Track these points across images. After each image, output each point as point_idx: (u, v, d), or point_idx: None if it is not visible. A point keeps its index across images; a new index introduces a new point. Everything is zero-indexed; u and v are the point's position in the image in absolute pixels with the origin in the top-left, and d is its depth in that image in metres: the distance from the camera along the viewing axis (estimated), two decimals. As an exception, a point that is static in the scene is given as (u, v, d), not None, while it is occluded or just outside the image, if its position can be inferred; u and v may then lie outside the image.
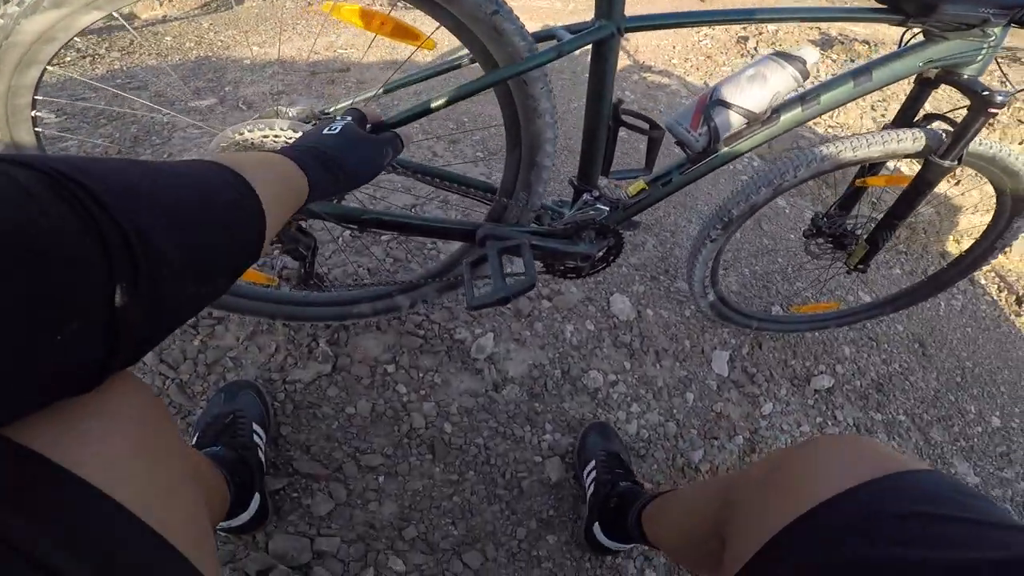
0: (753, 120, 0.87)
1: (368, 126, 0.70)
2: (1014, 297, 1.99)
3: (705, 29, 3.25)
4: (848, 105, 2.50)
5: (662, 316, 1.41)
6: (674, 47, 2.99)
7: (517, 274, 0.85)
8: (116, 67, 1.81)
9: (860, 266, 1.21)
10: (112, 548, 0.30)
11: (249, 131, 0.73)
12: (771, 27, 3.26)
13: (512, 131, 0.86)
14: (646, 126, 0.85)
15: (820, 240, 1.24)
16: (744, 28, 3.24)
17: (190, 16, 2.21)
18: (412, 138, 0.70)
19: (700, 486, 0.72)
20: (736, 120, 0.86)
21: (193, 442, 0.85)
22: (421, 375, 1.15)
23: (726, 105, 0.85)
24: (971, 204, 2.17)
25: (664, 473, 1.13)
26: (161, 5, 2.19)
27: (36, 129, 0.75)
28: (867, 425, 1.38)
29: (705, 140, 0.87)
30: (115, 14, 0.71)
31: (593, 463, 1.02)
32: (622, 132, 0.85)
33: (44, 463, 0.30)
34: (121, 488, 0.32)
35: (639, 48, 2.88)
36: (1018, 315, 1.96)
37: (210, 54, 2.00)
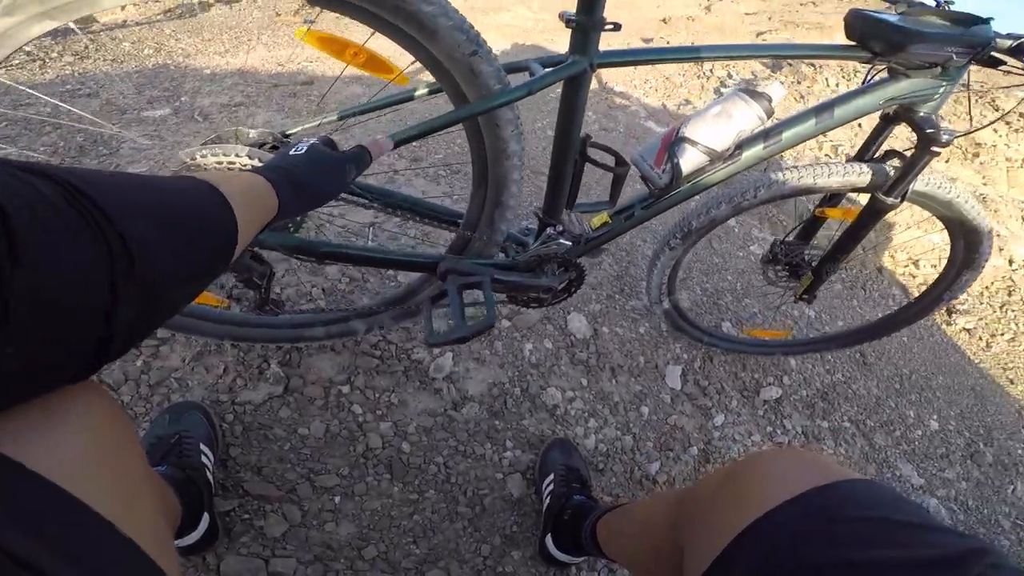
0: (716, 157, 0.88)
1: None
2: (944, 308, 2.17)
3: None
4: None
5: (617, 333, 1.47)
6: (635, 68, 3.16)
7: (479, 303, 0.86)
8: (67, 72, 1.75)
9: (805, 296, 1.24)
10: (86, 550, 0.31)
11: (202, 156, 0.73)
12: None
13: (479, 168, 0.86)
14: (612, 161, 0.86)
15: (777, 267, 1.27)
16: None
17: (152, 22, 2.17)
18: (384, 150, 0.70)
19: (654, 499, 0.75)
20: (699, 158, 0.87)
21: None
22: (377, 395, 1.14)
23: (690, 143, 0.87)
24: (908, 221, 2.36)
25: (623, 486, 1.16)
26: (123, 9, 2.14)
27: None
28: (815, 433, 1.46)
29: (668, 177, 0.88)
30: (71, 24, 0.72)
31: (552, 476, 1.04)
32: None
33: (16, 468, 0.31)
34: (90, 493, 0.33)
35: (601, 71, 3.03)
36: (949, 324, 2.14)
37: (169, 62, 1.98)
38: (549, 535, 0.95)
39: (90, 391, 0.40)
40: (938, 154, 0.90)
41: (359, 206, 0.89)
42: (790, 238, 1.24)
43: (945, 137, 0.87)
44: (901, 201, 0.99)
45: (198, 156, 0.73)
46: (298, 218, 0.87)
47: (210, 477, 0.84)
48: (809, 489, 0.44)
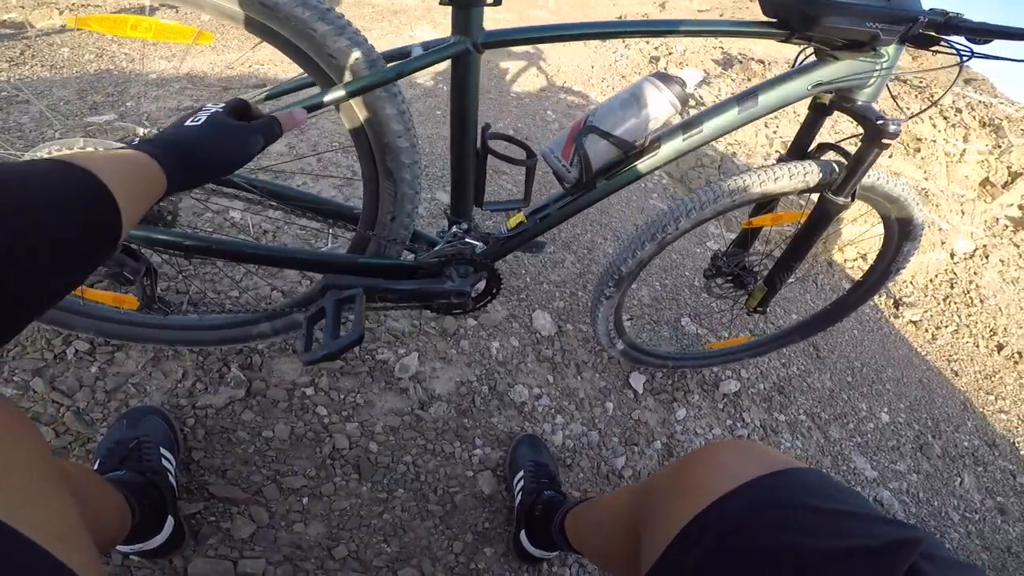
0: (629, 150, 0.83)
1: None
2: (892, 301, 2.31)
3: (620, 48, 3.53)
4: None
5: (581, 330, 1.51)
6: (592, 67, 3.23)
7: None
8: (2, 79, 1.69)
9: (759, 308, 1.20)
10: None
11: (47, 154, 0.71)
12: (679, 47, 3.59)
13: (366, 159, 0.81)
14: (521, 154, 0.81)
15: (720, 280, 1.24)
16: (656, 48, 3.56)
17: (87, 29, 2.11)
18: (299, 123, 0.66)
19: (618, 493, 0.78)
20: (610, 151, 0.82)
21: (95, 468, 0.81)
22: (342, 396, 1.15)
23: (599, 133, 0.81)
24: (853, 215, 2.49)
25: (591, 481, 1.20)
26: (61, 14, 2.07)
27: None
28: (772, 426, 1.54)
29: (577, 172, 0.83)
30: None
31: (521, 473, 1.07)
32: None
33: None
34: None
35: (560, 68, 3.09)
36: (896, 316, 2.28)
37: (112, 67, 1.93)
38: (523, 531, 0.98)
39: None
40: (887, 146, 0.87)
41: (248, 201, 0.85)
42: (728, 248, 1.21)
43: (893, 127, 0.84)
44: (852, 200, 0.96)
45: (40, 154, 0.70)
46: (179, 210, 0.83)
47: (172, 480, 0.83)
48: (754, 478, 0.47)
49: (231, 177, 0.81)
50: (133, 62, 1.98)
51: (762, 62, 3.56)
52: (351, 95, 0.69)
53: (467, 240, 0.90)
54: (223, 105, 0.64)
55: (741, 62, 3.55)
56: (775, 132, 2.83)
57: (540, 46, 3.05)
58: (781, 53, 3.68)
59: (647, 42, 3.67)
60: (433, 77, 2.61)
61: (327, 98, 0.68)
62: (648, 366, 1.45)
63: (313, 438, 1.06)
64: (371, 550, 0.91)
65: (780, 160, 0.99)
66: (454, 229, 0.91)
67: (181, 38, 0.70)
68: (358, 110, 0.74)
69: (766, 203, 1.09)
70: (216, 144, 0.59)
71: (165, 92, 1.87)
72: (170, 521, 0.76)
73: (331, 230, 1.44)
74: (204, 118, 0.61)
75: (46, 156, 0.61)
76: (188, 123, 0.60)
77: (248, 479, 0.94)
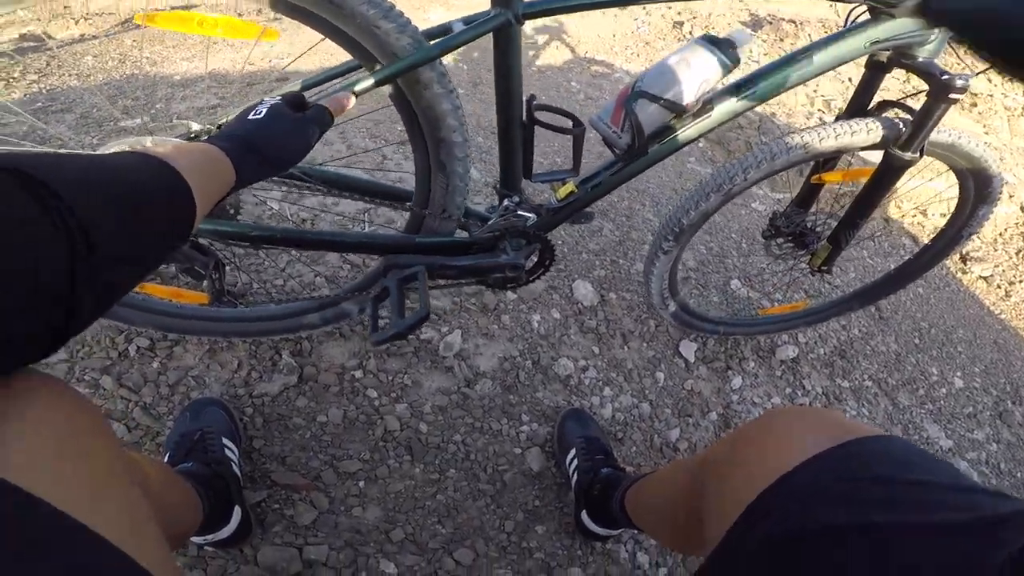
0: (681, 113, 0.84)
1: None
2: (959, 255, 2.17)
3: (641, 15, 3.37)
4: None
5: (625, 299, 1.49)
6: (614, 35, 3.10)
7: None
8: (34, 90, 1.76)
9: (824, 268, 1.20)
10: (40, 545, 0.32)
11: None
12: (704, 10, 3.39)
13: (415, 137, 0.83)
14: (567, 123, 0.82)
15: (780, 240, 1.23)
16: (679, 13, 3.36)
17: (110, 34, 2.15)
18: (347, 108, 0.68)
19: (674, 467, 0.77)
20: (661, 114, 0.83)
21: (165, 460, 0.87)
22: (390, 378, 1.19)
23: (649, 98, 0.82)
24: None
25: (644, 455, 1.21)
26: (77, 24, 2.11)
27: None
28: (835, 393, 1.50)
29: (628, 138, 0.83)
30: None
31: (573, 451, 1.09)
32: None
33: None
34: (46, 487, 0.33)
35: (581, 40, 2.99)
36: (964, 272, 2.15)
37: (136, 72, 1.98)
38: (584, 511, 1.00)
39: (47, 384, 0.39)
40: (956, 101, 0.86)
41: (303, 190, 0.89)
42: (788, 208, 1.20)
43: (961, 82, 0.82)
44: (921, 155, 0.95)
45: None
46: (241, 204, 0.87)
47: (236, 470, 0.89)
48: (825, 450, 0.44)
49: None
50: (156, 65, 2.02)
51: (793, 22, 3.30)
52: (396, 75, 0.71)
53: (519, 213, 0.92)
54: (280, 98, 0.65)
55: (771, 23, 3.31)
56: (815, 91, 2.69)
57: (559, 18, 2.97)
58: (812, 12, 3.42)
59: (669, 7, 3.44)
60: (452, 58, 2.54)
61: (371, 80, 0.70)
62: (698, 331, 1.43)
63: (365, 421, 1.10)
64: (426, 532, 0.96)
65: (838, 119, 0.97)
66: (505, 203, 0.91)
67: (247, 35, 0.72)
68: (406, 89, 0.76)
69: (824, 162, 1.07)
70: (281, 137, 0.61)
71: (191, 92, 1.91)
72: (237, 511, 0.82)
73: (365, 216, 1.46)
74: (265, 111, 0.62)
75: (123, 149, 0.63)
76: (251, 117, 0.62)
77: (307, 465, 0.99)
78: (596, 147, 1.99)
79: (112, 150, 0.72)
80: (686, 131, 0.88)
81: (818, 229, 1.19)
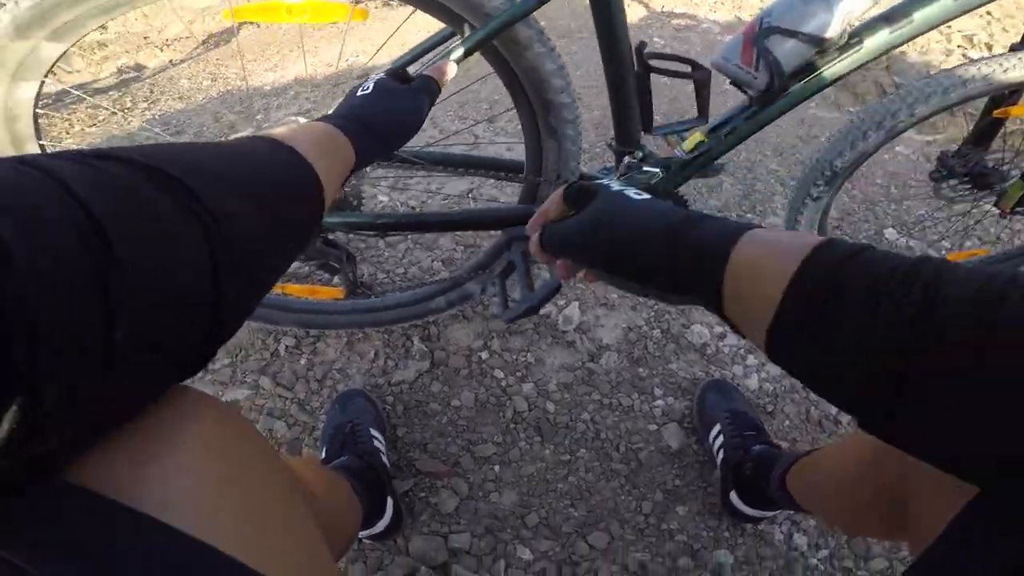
0: (824, 48, 0.77)
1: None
2: None
3: None
4: None
5: (766, 252, 1.34)
6: None
7: None
8: (148, 117, 1.96)
9: (1018, 208, 1.09)
10: None
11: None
12: None
13: (521, 103, 0.82)
14: (686, 68, 0.77)
15: (954, 182, 1.13)
16: None
17: (195, 56, 2.31)
18: (448, 76, 0.68)
19: (852, 443, 0.68)
20: (801, 50, 0.76)
21: (322, 456, 0.96)
22: (515, 357, 1.19)
23: (784, 33, 0.75)
24: None
25: (799, 429, 1.10)
26: (162, 51, 2.29)
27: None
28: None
29: (766, 78, 0.78)
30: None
31: (718, 426, 1.02)
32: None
33: (119, 511, 0.28)
34: (212, 529, 0.30)
35: None
36: None
37: (229, 88, 2.11)
38: (733, 491, 0.94)
39: (204, 404, 0.36)
40: None
41: (414, 170, 0.90)
42: (961, 147, 1.09)
43: None
44: None
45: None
46: (362, 194, 0.89)
47: (385, 460, 0.95)
48: None
49: (397, 152, 0.86)
50: (244, 80, 2.13)
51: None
52: (491, 35, 0.70)
53: (644, 169, 0.87)
54: (383, 73, 0.65)
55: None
56: (949, 27, 2.26)
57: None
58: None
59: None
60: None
61: (467, 45, 0.70)
62: None
63: (495, 403, 1.13)
64: (559, 515, 0.97)
65: (1012, 49, 0.89)
66: (626, 160, 0.87)
67: (336, 16, 0.72)
68: (502, 49, 0.75)
69: (1009, 94, 0.96)
70: (394, 110, 0.61)
71: (284, 100, 2.00)
72: (390, 503, 0.88)
73: (470, 195, 1.46)
74: (372, 87, 0.62)
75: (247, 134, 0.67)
76: (359, 94, 0.62)
77: (446, 451, 1.04)
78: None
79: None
80: (832, 67, 0.79)
81: (1004, 167, 1.08)
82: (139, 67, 2.21)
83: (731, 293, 0.40)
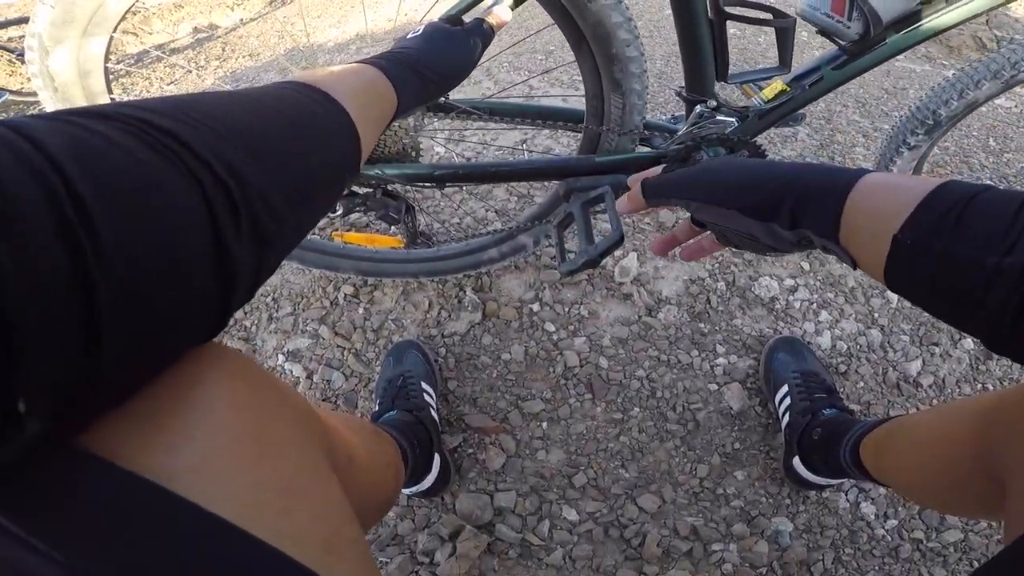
0: None
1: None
2: None
3: None
4: None
5: (851, 196, 1.15)
6: None
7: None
8: (220, 74, 1.95)
9: None
10: (213, 570, 0.25)
11: None
12: None
13: (584, 57, 0.75)
14: (767, 15, 0.69)
15: None
16: None
17: (263, 15, 2.30)
18: (504, 21, 0.63)
19: (944, 414, 0.59)
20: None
21: (376, 408, 0.94)
22: (567, 309, 1.11)
23: None
24: None
25: (874, 392, 0.96)
26: (233, 10, 2.28)
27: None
28: None
29: (859, 27, 0.69)
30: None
31: (786, 388, 0.90)
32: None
33: (127, 479, 0.25)
34: (224, 500, 0.27)
35: None
36: None
37: (295, 44, 2.09)
38: (796, 457, 0.84)
39: (225, 362, 0.32)
40: None
41: (470, 120, 0.85)
42: None
43: None
44: None
45: None
46: (420, 146, 0.85)
47: (434, 415, 0.91)
48: None
49: (451, 103, 0.83)
50: (310, 36, 2.09)
51: None
52: None
53: (718, 118, 0.79)
54: (436, 19, 0.60)
55: None
56: None
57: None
58: None
59: None
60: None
61: None
62: None
63: (545, 357, 1.05)
64: (609, 476, 0.90)
65: None
66: (699, 109, 0.80)
67: None
68: (580, 21, 0.70)
69: None
70: (444, 52, 0.57)
71: (345, 56, 1.94)
72: (437, 460, 0.84)
73: (523, 146, 1.33)
74: (422, 29, 0.58)
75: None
76: (410, 36, 0.58)
77: (495, 406, 0.99)
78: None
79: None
80: (939, 18, 0.70)
81: None
82: (212, 27, 2.22)
83: (854, 214, 0.38)
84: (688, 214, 0.55)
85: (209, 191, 0.27)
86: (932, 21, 0.70)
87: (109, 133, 0.25)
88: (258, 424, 0.31)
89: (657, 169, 0.61)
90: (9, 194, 0.19)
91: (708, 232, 0.57)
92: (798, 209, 0.41)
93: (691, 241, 0.61)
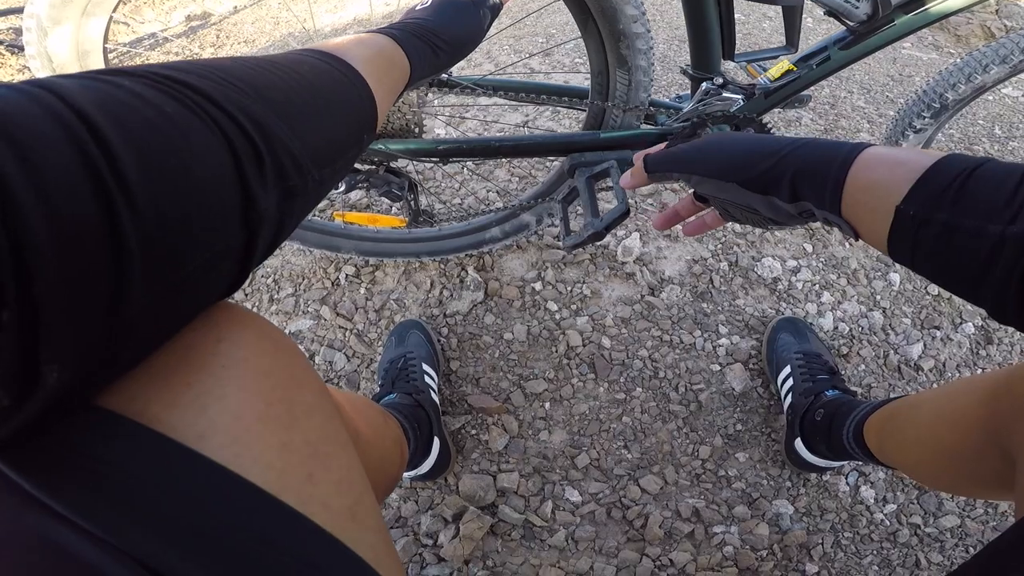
0: None
1: None
2: None
3: None
4: None
5: (858, 176, 1.12)
6: None
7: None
8: None
9: None
10: (250, 546, 0.24)
11: None
12: None
13: (590, 34, 0.73)
14: None
15: None
16: None
17: (257, 1, 2.23)
18: None
19: (950, 394, 0.58)
20: None
21: (377, 390, 0.92)
22: (569, 289, 1.08)
23: None
24: None
25: (875, 374, 0.94)
26: None
27: None
28: None
29: (868, 7, 0.68)
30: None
31: (788, 369, 0.88)
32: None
33: (157, 441, 0.24)
34: (253, 465, 0.26)
35: None
36: None
37: (291, 30, 2.02)
38: (798, 439, 0.83)
39: (248, 323, 0.30)
40: None
41: (474, 96, 0.83)
42: None
43: None
44: None
45: None
46: (424, 121, 0.83)
47: (435, 398, 0.89)
48: None
49: (455, 79, 0.81)
50: (306, 22, 2.03)
51: None
52: None
53: (725, 95, 0.78)
54: None
55: None
56: None
57: None
58: None
59: None
60: None
61: None
62: None
63: (548, 337, 1.03)
64: (611, 457, 0.89)
65: None
66: (705, 86, 0.78)
67: None
68: None
69: None
70: (453, 21, 0.56)
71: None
72: (436, 443, 0.83)
73: (525, 126, 1.28)
74: (431, 0, 0.57)
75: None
76: (419, 7, 0.57)
77: (497, 386, 0.97)
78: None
79: None
80: (947, 0, 0.69)
81: None
82: (206, 14, 2.13)
83: (855, 185, 0.38)
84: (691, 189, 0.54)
85: (235, 141, 0.26)
86: (941, 3, 0.68)
87: (134, 87, 0.24)
88: (287, 387, 0.30)
89: (661, 146, 0.59)
90: (38, 146, 0.18)
91: (710, 207, 0.55)
92: (799, 181, 0.41)
93: (693, 217, 0.59)
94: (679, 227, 1.14)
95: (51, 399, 0.20)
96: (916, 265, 0.36)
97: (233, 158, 0.26)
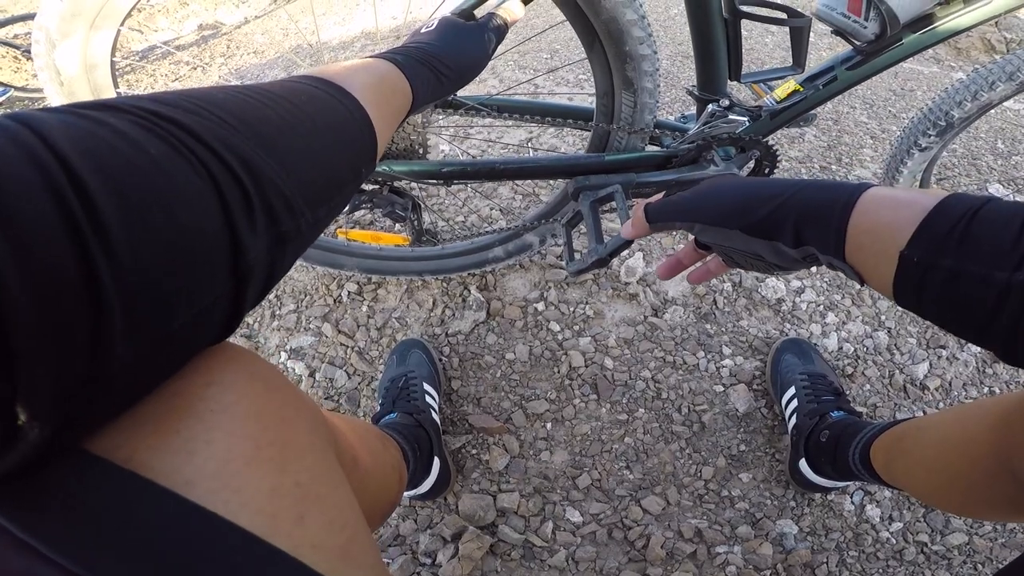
0: None
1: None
2: None
3: None
4: None
5: (859, 197, 1.13)
6: None
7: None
8: (225, 71, 1.94)
9: None
10: None
11: None
12: None
13: (596, 55, 0.74)
14: (782, 15, 0.68)
15: None
16: None
17: (267, 12, 2.29)
18: (517, 16, 0.62)
19: (960, 417, 0.57)
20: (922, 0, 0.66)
21: (378, 406, 0.91)
22: (572, 309, 1.08)
23: None
24: None
25: (880, 395, 0.94)
26: (239, 7, 2.26)
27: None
28: None
29: (876, 28, 0.68)
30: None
31: (792, 390, 0.88)
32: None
33: (144, 486, 0.24)
34: (241, 508, 0.25)
35: None
36: None
37: (301, 42, 2.07)
38: (803, 460, 0.82)
39: (237, 362, 0.30)
40: None
41: (479, 118, 0.83)
42: None
43: None
44: None
45: None
46: (428, 143, 0.83)
47: (435, 417, 0.89)
48: None
49: (460, 100, 0.82)
50: (313, 34, 2.07)
51: None
52: None
53: (730, 117, 0.78)
54: (448, 12, 0.59)
55: None
56: None
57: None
58: None
59: None
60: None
61: None
62: None
63: (550, 357, 1.03)
64: (613, 478, 0.88)
65: None
66: (711, 108, 0.79)
67: None
68: (593, 17, 0.69)
69: None
70: (459, 47, 0.56)
71: (352, 53, 1.93)
72: (436, 463, 0.82)
73: (529, 144, 1.31)
74: (436, 23, 0.58)
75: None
76: (424, 31, 0.57)
77: (499, 406, 0.97)
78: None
79: None
80: (956, 19, 0.69)
81: None
82: (217, 24, 2.19)
83: (858, 230, 0.37)
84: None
85: (223, 184, 0.26)
86: (949, 22, 0.68)
87: (119, 125, 0.24)
88: (278, 429, 0.29)
89: (659, 196, 0.60)
90: (12, 191, 0.18)
91: (714, 254, 0.55)
92: (802, 226, 0.40)
93: (697, 264, 0.59)
94: (683, 245, 1.16)
95: (32, 450, 0.20)
96: (922, 310, 0.36)
97: (221, 203, 0.25)
